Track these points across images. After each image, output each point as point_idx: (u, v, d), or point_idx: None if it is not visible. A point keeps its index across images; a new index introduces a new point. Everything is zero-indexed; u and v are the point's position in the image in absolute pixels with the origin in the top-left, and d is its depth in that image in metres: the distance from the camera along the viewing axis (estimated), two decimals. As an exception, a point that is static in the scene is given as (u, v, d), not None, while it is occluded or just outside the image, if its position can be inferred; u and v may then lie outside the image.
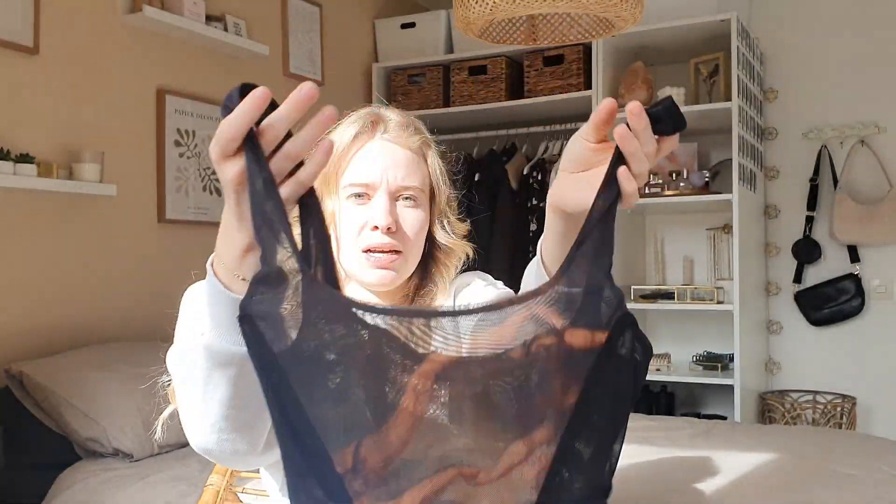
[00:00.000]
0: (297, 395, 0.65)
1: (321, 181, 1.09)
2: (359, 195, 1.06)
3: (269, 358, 0.66)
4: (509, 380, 0.65)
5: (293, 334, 0.65)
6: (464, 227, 1.16)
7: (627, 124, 0.70)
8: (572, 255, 0.68)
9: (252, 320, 0.66)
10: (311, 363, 0.65)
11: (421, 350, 0.63)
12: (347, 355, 0.64)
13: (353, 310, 0.64)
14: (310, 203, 0.70)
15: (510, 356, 0.64)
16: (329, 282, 0.68)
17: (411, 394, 0.63)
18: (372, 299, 1.12)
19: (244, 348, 0.73)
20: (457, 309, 0.65)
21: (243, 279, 0.73)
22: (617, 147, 0.70)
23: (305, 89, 0.64)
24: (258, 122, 0.66)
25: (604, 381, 0.68)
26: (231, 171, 0.66)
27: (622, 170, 0.70)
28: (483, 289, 1.11)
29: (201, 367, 0.80)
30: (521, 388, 0.65)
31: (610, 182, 0.70)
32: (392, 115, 1.11)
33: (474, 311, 0.64)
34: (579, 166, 0.73)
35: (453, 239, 1.13)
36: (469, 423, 0.65)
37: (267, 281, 0.65)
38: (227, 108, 0.65)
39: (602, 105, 0.71)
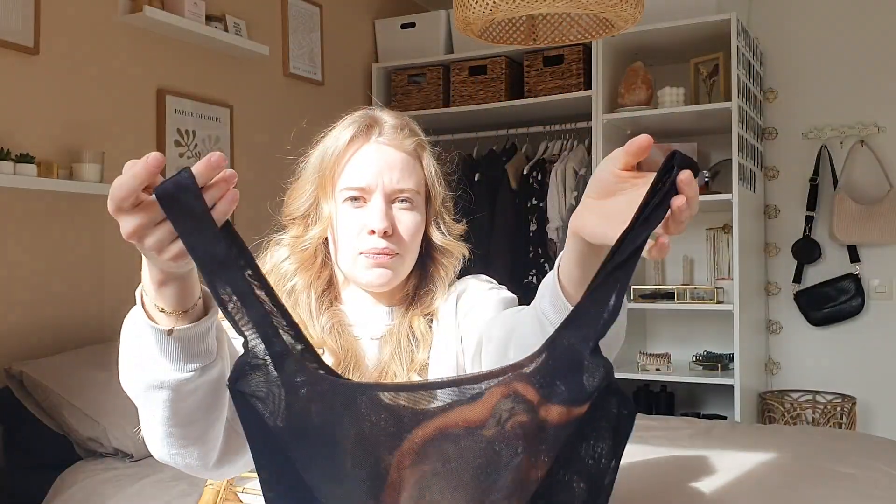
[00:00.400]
0: (298, 468, 0.68)
1: (318, 185, 1.10)
2: (355, 199, 1.07)
3: (266, 432, 0.68)
4: (480, 459, 0.66)
5: (288, 412, 0.68)
6: (460, 228, 1.16)
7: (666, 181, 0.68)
8: (573, 315, 0.68)
9: (244, 397, 0.68)
10: (305, 441, 0.68)
11: (403, 426, 0.67)
12: (337, 434, 0.67)
13: (340, 383, 0.68)
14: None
15: (483, 434, 0.65)
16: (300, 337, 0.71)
17: (395, 471, 0.66)
18: (370, 300, 1.13)
19: (175, 374, 0.76)
20: (435, 381, 0.67)
21: (162, 310, 0.75)
22: (645, 200, 0.67)
23: (214, 158, 0.66)
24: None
25: (579, 453, 0.68)
26: (127, 225, 0.67)
27: (662, 239, 0.69)
28: (486, 293, 1.11)
29: (138, 388, 0.81)
30: (490, 465, 0.66)
31: (632, 234, 0.66)
32: (387, 118, 1.12)
33: (452, 384, 0.66)
34: (602, 193, 0.73)
35: (449, 240, 1.13)
36: (443, 500, 0.66)
37: (254, 365, 0.68)
38: (178, 186, 0.65)
39: (640, 139, 0.70)
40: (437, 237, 1.12)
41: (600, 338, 0.67)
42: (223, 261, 0.66)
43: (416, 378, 1.06)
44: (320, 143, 1.13)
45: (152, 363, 0.78)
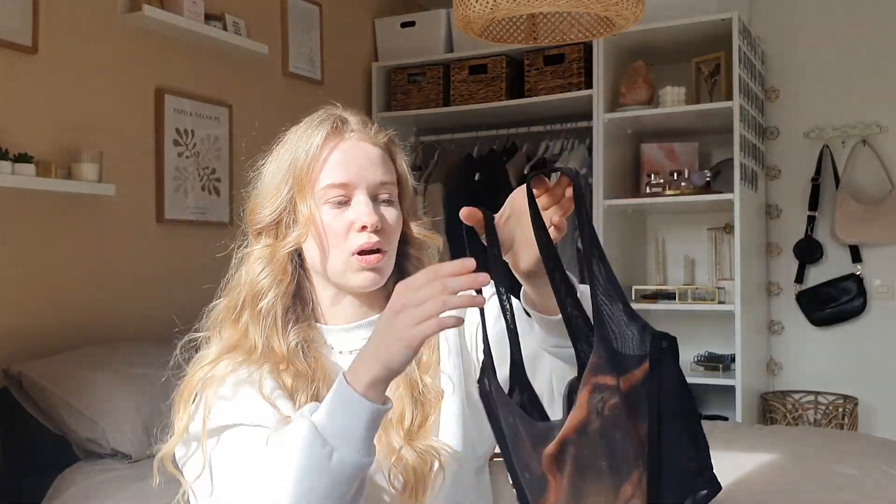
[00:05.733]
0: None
1: (294, 187, 1.05)
2: (338, 200, 1.04)
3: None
4: (599, 449, 0.78)
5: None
6: (427, 221, 1.15)
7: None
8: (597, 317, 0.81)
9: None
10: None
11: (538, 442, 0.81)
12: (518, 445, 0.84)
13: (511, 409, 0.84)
14: None
15: (591, 428, 0.78)
16: None
17: (549, 475, 0.80)
18: (354, 313, 1.10)
19: (365, 458, 0.87)
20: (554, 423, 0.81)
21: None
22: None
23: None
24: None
25: (660, 397, 0.79)
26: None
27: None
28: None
29: (320, 490, 0.86)
30: (610, 447, 0.78)
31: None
32: (350, 115, 1.10)
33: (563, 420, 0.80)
34: (506, 245, 0.95)
35: (426, 231, 1.12)
36: (584, 487, 0.80)
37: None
38: None
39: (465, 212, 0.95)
40: (414, 230, 1.11)
41: (624, 301, 0.81)
42: None
43: (427, 380, 1.05)
44: (285, 147, 1.09)
45: (352, 451, 0.85)
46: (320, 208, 1.04)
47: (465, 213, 0.91)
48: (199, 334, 1.08)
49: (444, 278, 0.81)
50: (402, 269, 1.11)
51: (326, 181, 1.04)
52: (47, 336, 2.37)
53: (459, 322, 0.83)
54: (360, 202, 1.04)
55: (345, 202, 1.04)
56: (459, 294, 0.81)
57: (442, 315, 0.81)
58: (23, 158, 2.23)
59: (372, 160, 1.06)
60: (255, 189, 1.11)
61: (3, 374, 2.15)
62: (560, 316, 0.90)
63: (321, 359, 1.06)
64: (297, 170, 1.05)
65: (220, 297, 1.09)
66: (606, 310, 0.82)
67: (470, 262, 0.81)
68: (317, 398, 1.01)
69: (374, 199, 1.06)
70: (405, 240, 1.11)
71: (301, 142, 1.07)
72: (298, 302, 1.09)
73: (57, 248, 2.44)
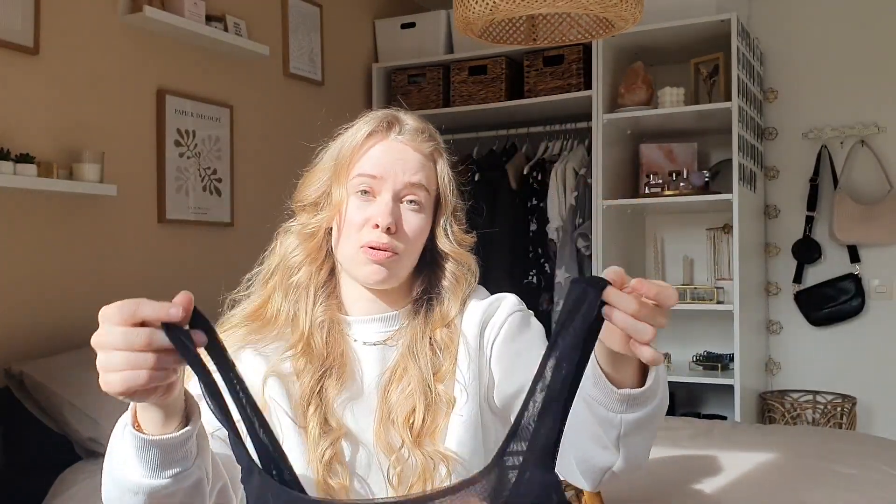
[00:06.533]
0: None
1: (332, 173, 1.09)
2: (364, 192, 1.06)
3: None
4: None
5: None
6: (469, 239, 1.14)
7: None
8: (522, 432, 0.71)
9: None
10: None
11: None
12: None
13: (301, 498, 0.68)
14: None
15: None
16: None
17: None
18: (370, 304, 1.10)
19: (151, 481, 0.79)
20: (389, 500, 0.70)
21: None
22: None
23: (184, 300, 0.76)
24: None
25: None
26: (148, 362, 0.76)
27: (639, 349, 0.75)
28: (539, 339, 1.08)
29: (114, 493, 0.82)
30: None
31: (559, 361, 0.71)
32: (408, 120, 1.12)
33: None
34: None
35: (458, 249, 1.11)
36: None
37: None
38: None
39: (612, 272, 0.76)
40: (444, 244, 1.11)
41: (554, 458, 0.70)
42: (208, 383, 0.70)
43: (440, 388, 1.05)
44: (340, 135, 1.13)
45: (131, 468, 0.79)
46: (349, 197, 1.07)
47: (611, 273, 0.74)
48: (239, 294, 1.13)
49: (141, 320, 0.74)
50: (433, 280, 1.12)
51: (358, 170, 1.07)
52: (49, 336, 2.37)
53: (149, 384, 0.71)
54: (383, 200, 1.06)
55: (371, 196, 1.07)
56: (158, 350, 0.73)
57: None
58: (24, 159, 2.23)
59: (407, 161, 1.08)
60: (311, 168, 1.16)
61: (5, 373, 2.15)
62: (620, 391, 0.81)
63: (341, 343, 1.08)
64: (339, 157, 1.10)
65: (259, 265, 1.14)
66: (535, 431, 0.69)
67: (177, 306, 0.73)
68: (324, 380, 1.04)
69: (400, 199, 1.07)
70: (440, 253, 1.12)
71: (350, 132, 1.11)
72: (331, 282, 1.13)
73: (58, 248, 2.45)
